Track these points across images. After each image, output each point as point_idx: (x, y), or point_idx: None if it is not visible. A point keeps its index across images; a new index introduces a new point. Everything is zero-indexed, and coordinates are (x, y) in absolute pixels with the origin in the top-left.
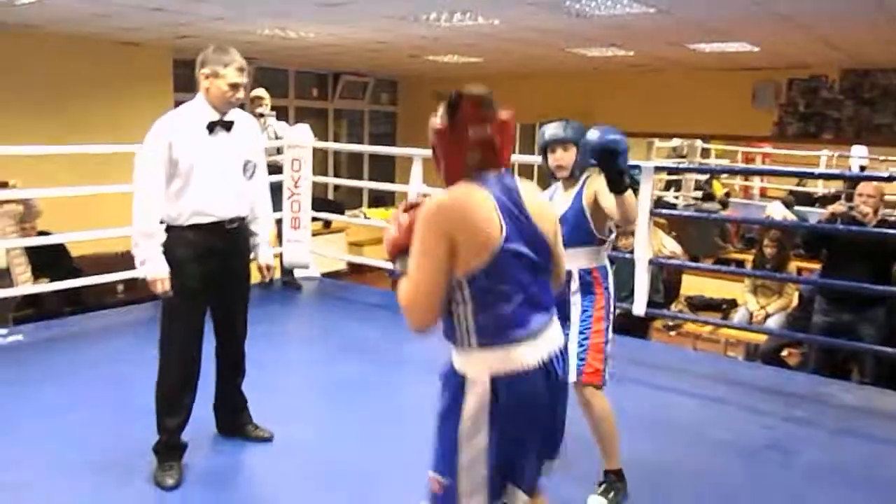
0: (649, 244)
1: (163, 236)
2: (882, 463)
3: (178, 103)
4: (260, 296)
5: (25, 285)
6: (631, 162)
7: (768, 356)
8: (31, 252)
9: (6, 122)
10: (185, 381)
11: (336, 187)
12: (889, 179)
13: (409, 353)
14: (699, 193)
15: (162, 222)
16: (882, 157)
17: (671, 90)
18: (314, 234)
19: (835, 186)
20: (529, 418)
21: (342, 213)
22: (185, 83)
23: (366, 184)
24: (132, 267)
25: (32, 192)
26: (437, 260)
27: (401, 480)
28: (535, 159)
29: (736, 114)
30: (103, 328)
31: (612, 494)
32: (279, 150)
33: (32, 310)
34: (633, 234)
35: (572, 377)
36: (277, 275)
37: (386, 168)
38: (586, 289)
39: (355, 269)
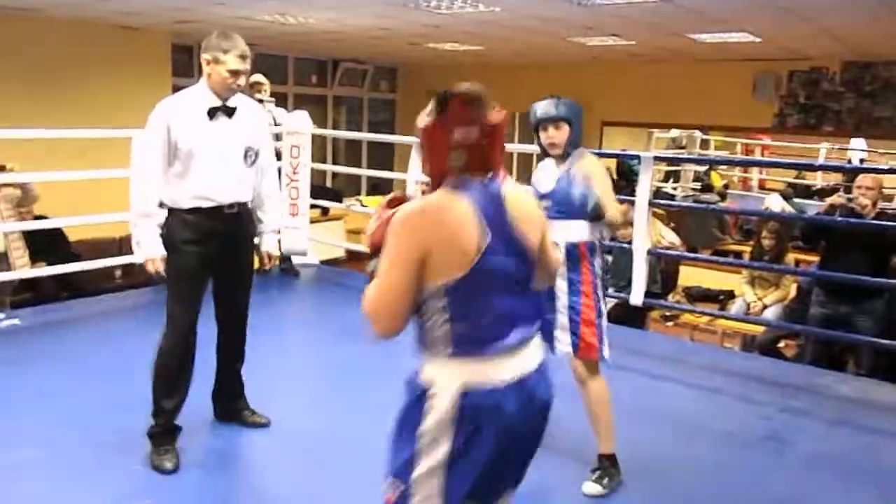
0: (648, 234)
1: (160, 218)
2: (878, 453)
3: (176, 88)
4: (258, 282)
5: (23, 269)
6: (630, 152)
7: (765, 347)
8: (29, 236)
9: (3, 105)
10: (182, 363)
11: (335, 175)
12: (888, 172)
13: (406, 339)
14: (698, 185)
15: (163, 205)
16: (882, 150)
17: (671, 80)
18: (312, 222)
19: (834, 179)
20: (495, 436)
21: (340, 200)
22: (184, 68)
23: (364, 171)
24: (130, 252)
25: (30, 175)
26: (405, 270)
27: None
28: (535, 148)
29: (736, 105)
30: (101, 313)
31: (606, 480)
32: (278, 137)
33: (30, 294)
34: (631, 224)
35: (566, 350)
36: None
37: (384, 156)
38: (573, 263)
39: (353, 257)
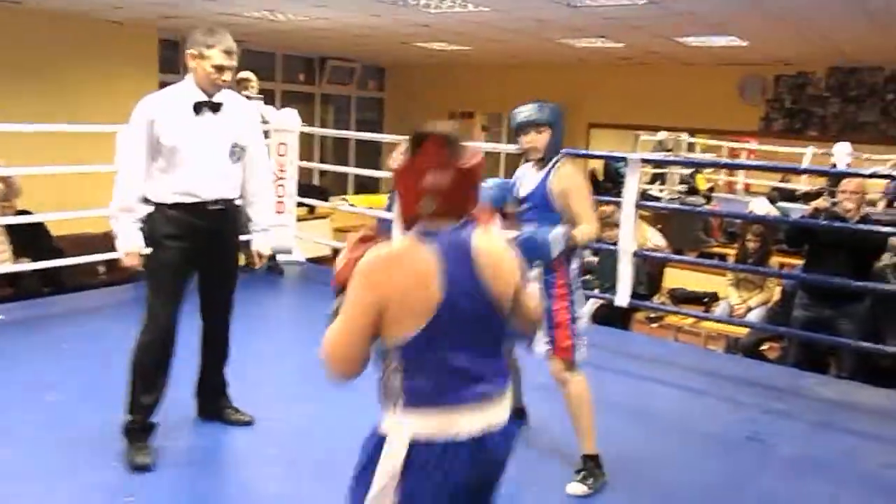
0: (634, 236)
1: (141, 213)
2: (859, 456)
3: (163, 84)
4: (243, 280)
5: (5, 264)
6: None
7: (749, 349)
8: (11, 231)
9: None
10: (160, 359)
11: (322, 173)
12: (872, 176)
13: None
14: (683, 188)
15: (149, 201)
16: (865, 156)
17: (659, 83)
18: (299, 220)
19: (818, 183)
20: (440, 489)
21: (327, 198)
22: (171, 64)
23: (351, 170)
24: (114, 248)
25: (13, 170)
26: (362, 318)
27: None
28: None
29: (723, 108)
30: (84, 309)
31: (591, 481)
32: (265, 135)
33: (12, 290)
34: (617, 225)
35: (542, 350)
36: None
37: (372, 155)
38: (548, 266)
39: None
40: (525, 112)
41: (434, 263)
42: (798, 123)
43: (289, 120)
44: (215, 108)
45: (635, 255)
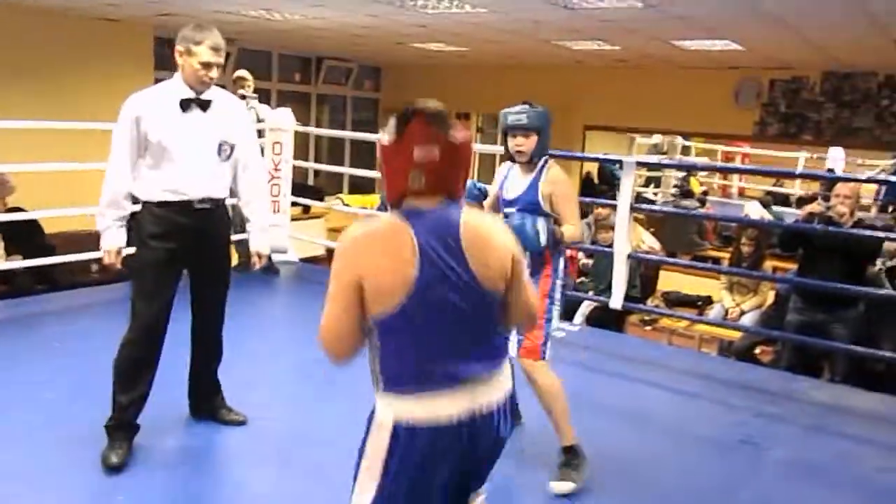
0: (628, 239)
1: (126, 210)
2: (851, 460)
3: (158, 81)
4: (237, 279)
5: None
6: (612, 157)
7: (742, 353)
8: (4, 228)
9: None
10: (142, 358)
11: (317, 172)
12: (866, 181)
13: None
14: (678, 191)
15: (136, 201)
16: (859, 161)
17: (654, 86)
18: (293, 219)
19: (812, 188)
20: (430, 476)
21: (322, 198)
22: (167, 62)
23: (346, 170)
24: None
25: (6, 167)
26: (344, 295)
27: None
28: None
29: (718, 112)
30: (76, 307)
31: (574, 473)
32: (260, 133)
33: (4, 287)
34: (612, 227)
35: (512, 352)
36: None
37: (367, 155)
38: (535, 268)
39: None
40: (514, 115)
41: (412, 241)
42: (793, 128)
43: (283, 119)
44: (203, 105)
45: (630, 257)
